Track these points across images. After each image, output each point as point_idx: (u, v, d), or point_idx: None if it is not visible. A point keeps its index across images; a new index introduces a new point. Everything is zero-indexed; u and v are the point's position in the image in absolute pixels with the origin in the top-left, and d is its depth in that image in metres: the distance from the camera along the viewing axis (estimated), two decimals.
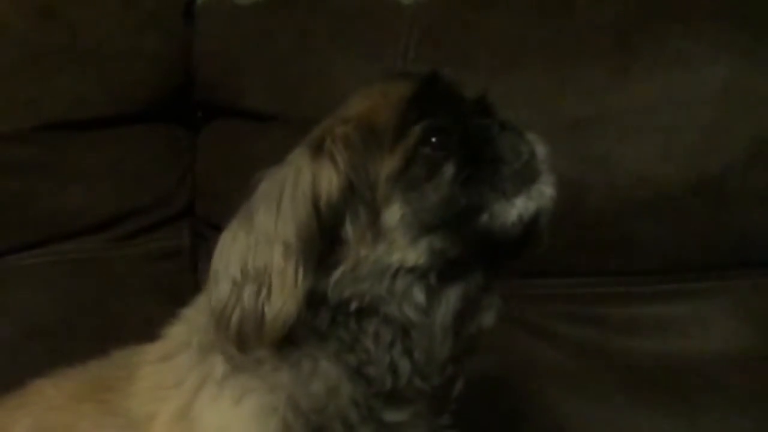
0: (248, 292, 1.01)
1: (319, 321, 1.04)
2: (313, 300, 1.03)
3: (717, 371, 1.49)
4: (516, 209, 1.01)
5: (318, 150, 1.05)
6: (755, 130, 1.45)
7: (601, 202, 1.49)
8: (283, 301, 1.00)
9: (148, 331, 1.20)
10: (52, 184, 1.73)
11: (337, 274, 1.02)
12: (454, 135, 1.04)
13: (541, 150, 1.04)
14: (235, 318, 1.02)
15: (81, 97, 1.73)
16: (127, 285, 1.77)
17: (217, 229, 1.79)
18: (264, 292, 1.01)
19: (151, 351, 1.17)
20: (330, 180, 1.02)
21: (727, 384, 1.48)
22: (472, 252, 1.03)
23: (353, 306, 1.03)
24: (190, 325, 1.15)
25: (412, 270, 1.02)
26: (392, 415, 1.08)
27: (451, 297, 1.05)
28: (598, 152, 1.50)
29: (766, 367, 1.47)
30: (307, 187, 1.02)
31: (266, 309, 1.01)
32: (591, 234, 1.51)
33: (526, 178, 1.02)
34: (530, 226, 1.03)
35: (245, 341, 1.03)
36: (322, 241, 1.02)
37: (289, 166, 1.05)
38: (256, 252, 1.02)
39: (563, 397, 1.56)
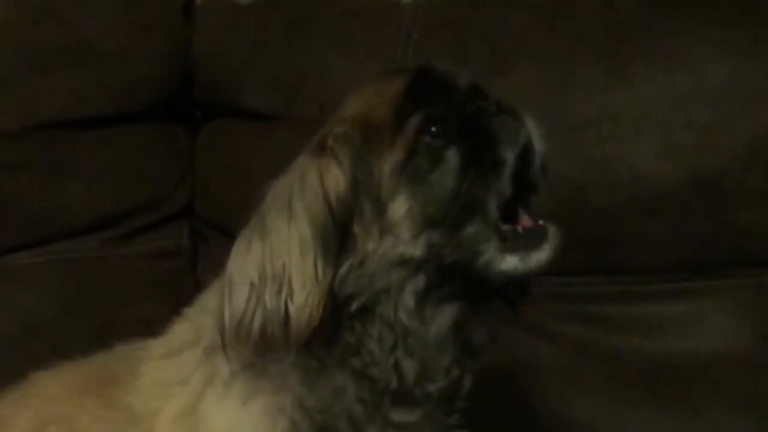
0: (269, 293, 1.01)
1: (325, 324, 1.03)
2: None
3: (716, 369, 1.49)
4: (506, 264, 1.03)
5: (321, 150, 1.05)
6: (754, 129, 1.46)
7: (600, 200, 1.49)
8: (306, 296, 1.00)
9: (146, 330, 1.21)
10: (51, 183, 1.73)
11: (343, 269, 1.02)
12: (452, 122, 1.04)
13: (537, 140, 1.05)
14: (257, 321, 1.01)
15: (80, 96, 1.73)
16: (126, 284, 1.77)
17: (217, 228, 1.83)
18: (285, 290, 1.01)
19: (155, 346, 1.17)
20: (336, 176, 1.03)
21: (727, 382, 1.49)
22: (460, 266, 1.03)
23: (354, 306, 1.04)
24: (194, 323, 1.15)
25: (407, 262, 1.03)
26: (400, 416, 1.08)
27: (444, 316, 1.06)
28: (597, 151, 1.50)
29: (765, 365, 1.48)
30: (317, 185, 1.03)
31: (290, 306, 1.00)
32: (590, 233, 1.51)
33: (530, 242, 1.04)
34: (515, 281, 1.06)
35: (270, 344, 1.02)
36: (336, 236, 1.02)
37: (294, 170, 1.06)
38: (272, 254, 1.02)
39: (563, 396, 1.56)
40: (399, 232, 1.02)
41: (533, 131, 1.06)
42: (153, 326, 1.20)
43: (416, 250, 1.02)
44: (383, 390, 1.06)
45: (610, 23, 1.53)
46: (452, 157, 1.03)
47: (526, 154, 1.05)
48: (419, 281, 1.04)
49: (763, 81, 1.46)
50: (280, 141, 1.71)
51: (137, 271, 1.78)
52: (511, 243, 1.03)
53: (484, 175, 1.02)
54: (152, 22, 1.80)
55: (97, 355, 1.24)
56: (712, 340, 1.51)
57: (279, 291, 1.01)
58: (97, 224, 1.76)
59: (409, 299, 1.04)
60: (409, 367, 1.06)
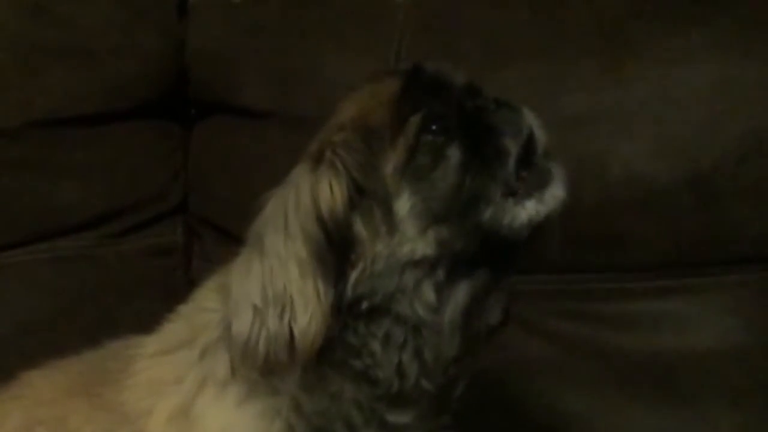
0: (272, 316, 1.01)
1: (332, 326, 1.04)
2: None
3: (710, 367, 1.49)
4: (526, 212, 1.02)
5: (317, 163, 1.05)
6: (747, 126, 1.45)
7: (594, 198, 1.49)
8: (308, 317, 1.01)
9: (141, 327, 1.21)
10: (45, 181, 1.73)
11: (355, 273, 1.03)
12: (452, 119, 1.05)
13: (539, 131, 1.06)
14: (262, 344, 1.01)
15: (74, 94, 1.73)
16: (120, 282, 1.77)
17: (211, 225, 1.83)
18: (288, 312, 1.01)
19: (149, 344, 1.17)
20: (330, 189, 1.03)
21: (720, 379, 1.49)
22: (478, 246, 1.03)
23: (364, 305, 1.04)
24: (189, 322, 1.15)
25: (420, 262, 1.03)
26: (396, 417, 1.08)
27: (460, 294, 1.06)
28: (591, 149, 1.49)
29: (759, 362, 1.48)
30: (308, 202, 1.03)
31: (294, 329, 1.01)
32: (584, 230, 1.50)
33: (539, 181, 1.03)
34: (538, 228, 1.04)
35: (276, 365, 1.02)
36: (333, 252, 1.02)
37: (290, 185, 1.06)
38: (272, 276, 1.02)
39: (557, 394, 1.56)
40: (405, 229, 1.03)
41: (534, 122, 1.06)
42: (147, 324, 1.20)
43: (426, 249, 1.02)
44: (383, 394, 1.06)
45: (603, 21, 1.53)
46: (454, 153, 1.03)
47: (529, 143, 1.05)
48: (439, 275, 1.04)
49: (755, 78, 1.45)
50: (274, 138, 1.71)
51: (131, 269, 1.79)
52: (523, 189, 1.02)
53: (488, 167, 1.02)
54: (146, 20, 1.80)
55: (88, 354, 1.24)
56: (706, 336, 1.50)
57: (282, 314, 1.01)
58: (91, 222, 1.76)
59: (428, 293, 1.04)
60: (412, 367, 1.06)
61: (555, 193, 1.03)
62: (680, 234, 1.49)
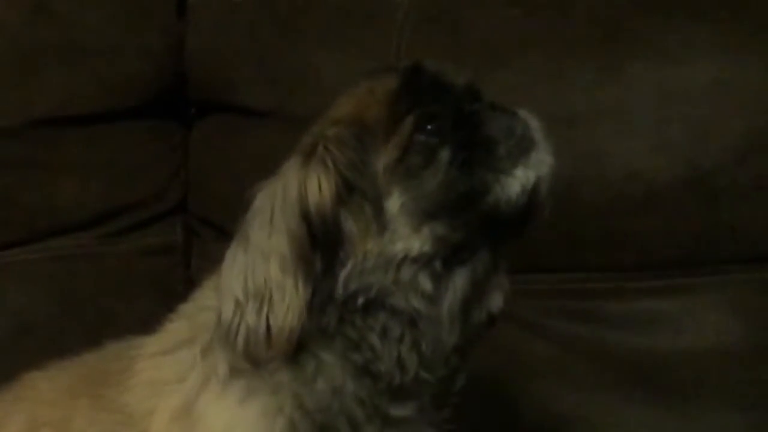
0: (250, 310, 1.02)
1: (327, 320, 1.04)
2: (321, 300, 1.03)
3: (709, 366, 1.49)
4: (518, 180, 1.02)
5: (309, 157, 1.05)
6: (746, 125, 1.45)
7: (593, 197, 1.49)
8: (284, 313, 1.01)
9: (140, 327, 1.20)
10: (44, 180, 1.73)
11: (346, 270, 1.03)
12: (448, 121, 1.05)
13: (534, 123, 1.05)
14: (241, 336, 1.03)
15: (73, 93, 1.73)
16: (119, 281, 1.77)
17: (210, 225, 1.83)
18: (266, 307, 1.02)
19: (150, 344, 1.16)
20: (320, 186, 1.03)
21: (719, 378, 1.49)
22: (475, 234, 1.04)
23: (360, 300, 1.03)
24: (190, 321, 1.14)
25: (416, 259, 1.03)
26: (397, 410, 1.08)
27: (458, 282, 1.06)
28: (590, 147, 1.50)
29: (758, 361, 1.48)
30: (295, 198, 1.03)
31: (272, 323, 1.02)
32: (583, 229, 1.51)
33: (523, 148, 1.03)
34: (533, 195, 1.03)
35: (255, 357, 1.03)
36: (318, 249, 1.02)
37: (281, 178, 1.06)
38: (254, 269, 1.02)
39: (555, 392, 1.56)
40: (396, 227, 1.02)
41: (532, 124, 1.06)
42: (147, 323, 1.20)
43: (424, 246, 1.02)
44: (384, 387, 1.06)
45: (603, 21, 1.53)
46: (445, 155, 1.03)
47: (523, 142, 1.05)
48: (436, 266, 1.04)
49: (755, 77, 1.46)
50: (273, 138, 1.70)
51: (130, 268, 1.79)
52: (508, 160, 1.02)
53: (483, 164, 1.02)
54: (145, 19, 1.80)
55: (90, 355, 1.23)
56: (705, 335, 1.50)
57: (260, 308, 1.02)
58: (91, 221, 1.76)
59: (425, 285, 1.04)
60: (412, 360, 1.06)
61: (541, 157, 1.03)
62: (679, 233, 1.49)
